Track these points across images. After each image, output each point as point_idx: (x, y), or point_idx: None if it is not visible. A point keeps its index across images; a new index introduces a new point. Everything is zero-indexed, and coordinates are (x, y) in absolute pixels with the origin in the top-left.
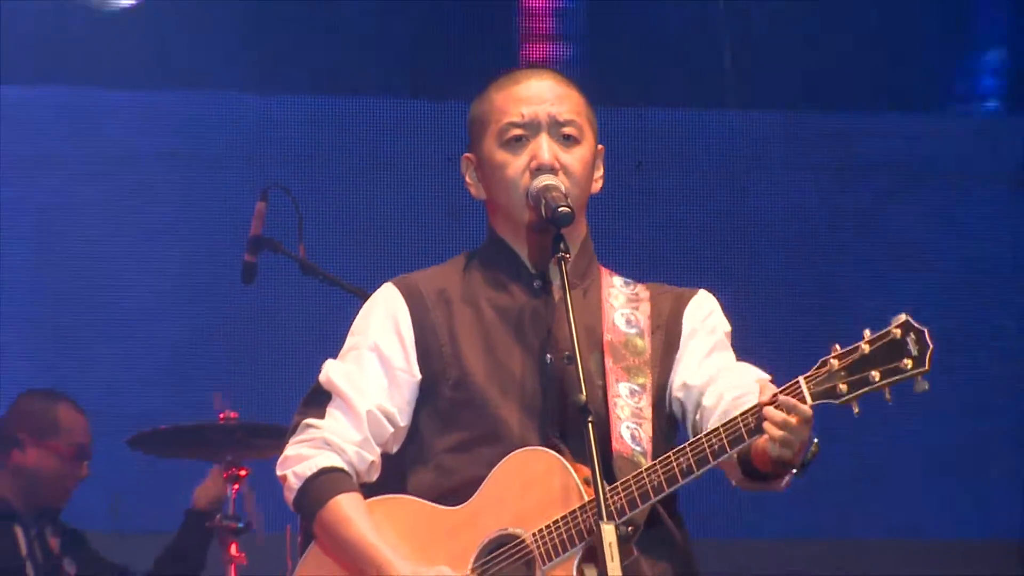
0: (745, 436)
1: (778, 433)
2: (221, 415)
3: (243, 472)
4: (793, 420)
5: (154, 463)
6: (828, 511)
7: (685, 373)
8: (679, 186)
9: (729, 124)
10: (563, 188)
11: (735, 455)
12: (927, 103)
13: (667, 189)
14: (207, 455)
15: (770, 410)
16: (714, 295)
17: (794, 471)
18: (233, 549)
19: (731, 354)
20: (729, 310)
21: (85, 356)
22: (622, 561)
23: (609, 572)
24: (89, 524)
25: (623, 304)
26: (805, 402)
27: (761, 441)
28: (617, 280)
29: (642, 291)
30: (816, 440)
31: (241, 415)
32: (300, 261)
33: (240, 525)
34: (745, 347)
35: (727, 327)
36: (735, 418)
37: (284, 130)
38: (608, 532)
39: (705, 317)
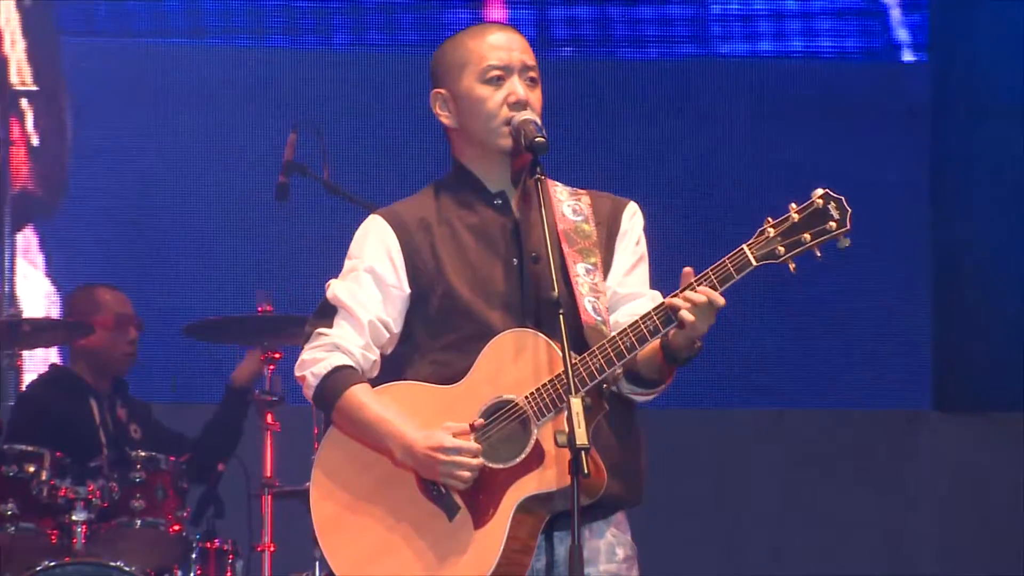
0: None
1: (698, 312)
2: (260, 308)
3: (277, 355)
4: (705, 301)
5: (205, 347)
6: (741, 385)
7: (614, 278)
8: (622, 128)
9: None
10: (539, 122)
11: (623, 370)
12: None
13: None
14: (248, 341)
15: (694, 294)
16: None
17: (680, 363)
18: (269, 418)
19: (647, 272)
20: (654, 226)
21: (148, 260)
22: (596, 415)
23: (577, 437)
24: (152, 397)
25: (567, 199)
26: (750, 264)
27: (649, 347)
28: (559, 184)
29: (580, 191)
30: (700, 340)
31: (276, 308)
32: (324, 182)
33: (275, 398)
34: (669, 258)
35: (645, 244)
36: (688, 285)
37: (312, 74)
38: (576, 403)
39: (635, 226)
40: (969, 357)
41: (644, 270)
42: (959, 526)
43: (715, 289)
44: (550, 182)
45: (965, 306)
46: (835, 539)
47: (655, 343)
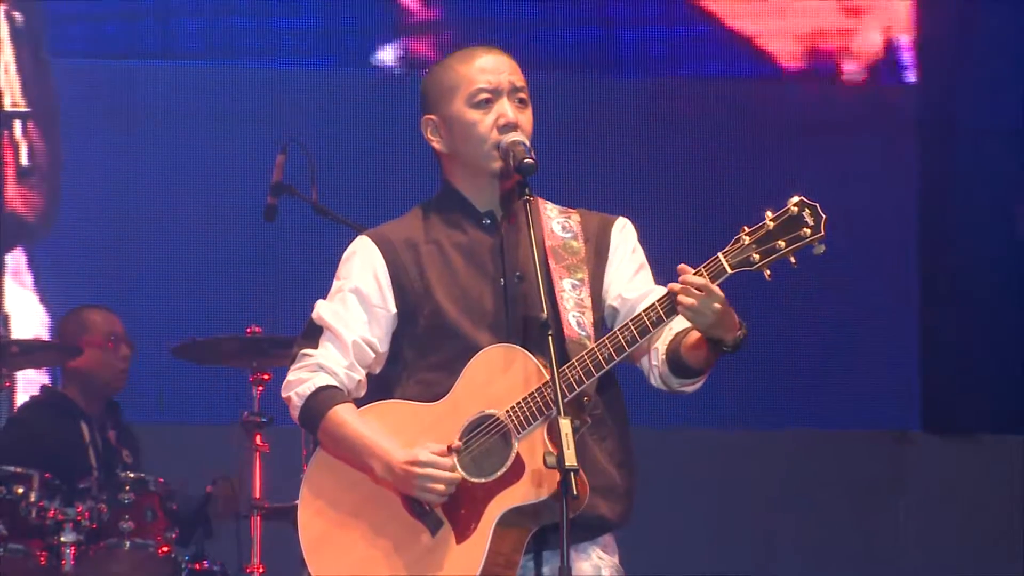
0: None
1: (688, 301)
2: (248, 329)
3: (266, 376)
4: (701, 293)
5: (193, 367)
6: (730, 405)
7: (619, 286)
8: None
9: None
10: (527, 144)
11: (664, 355)
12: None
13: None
14: (236, 362)
15: (685, 298)
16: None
17: (726, 350)
18: (258, 439)
19: (651, 276)
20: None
21: (136, 281)
22: (580, 427)
23: (566, 458)
24: (141, 418)
25: (557, 216)
26: (725, 272)
27: (694, 337)
28: (549, 203)
29: (571, 210)
30: (744, 325)
31: (264, 329)
32: (312, 203)
33: (263, 420)
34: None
35: (642, 253)
36: (667, 293)
37: (301, 95)
38: (565, 424)
39: (627, 239)
40: (958, 378)
41: (647, 275)
42: (946, 547)
43: None
44: (540, 201)
45: (954, 326)
46: (822, 559)
47: (699, 336)
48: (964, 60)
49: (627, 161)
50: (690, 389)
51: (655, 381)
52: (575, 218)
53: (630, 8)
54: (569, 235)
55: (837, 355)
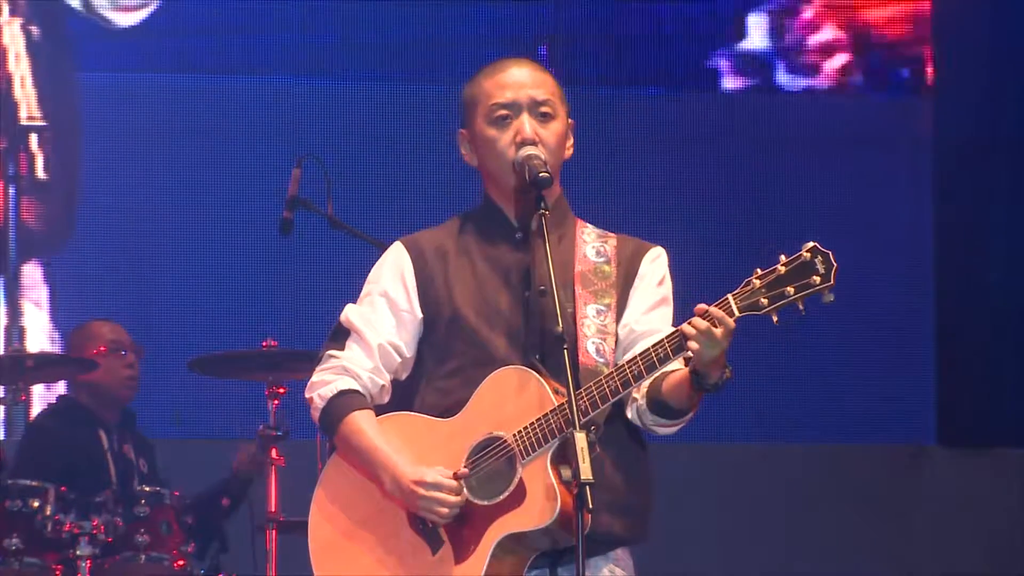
0: (685, 344)
1: (702, 340)
2: (263, 343)
3: (281, 390)
4: (719, 330)
5: (208, 381)
6: (748, 420)
7: (632, 316)
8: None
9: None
10: (543, 157)
11: (647, 389)
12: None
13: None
14: (252, 376)
15: (699, 321)
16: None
17: (707, 389)
18: (274, 453)
19: (670, 313)
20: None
21: (152, 295)
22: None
23: (581, 472)
24: (157, 433)
25: (593, 240)
26: (733, 315)
27: (677, 375)
28: (590, 226)
29: (610, 234)
30: (729, 367)
31: (280, 343)
32: (329, 217)
33: (279, 433)
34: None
35: (670, 287)
36: (676, 330)
37: (316, 108)
38: (580, 438)
39: (656, 269)
40: (974, 392)
41: (666, 311)
42: (962, 562)
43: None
44: (580, 222)
45: (969, 341)
46: (838, 573)
47: (682, 373)
48: (978, 71)
49: (648, 177)
50: (662, 431)
51: (631, 414)
52: (611, 242)
53: (652, 23)
54: (602, 260)
55: (853, 370)
